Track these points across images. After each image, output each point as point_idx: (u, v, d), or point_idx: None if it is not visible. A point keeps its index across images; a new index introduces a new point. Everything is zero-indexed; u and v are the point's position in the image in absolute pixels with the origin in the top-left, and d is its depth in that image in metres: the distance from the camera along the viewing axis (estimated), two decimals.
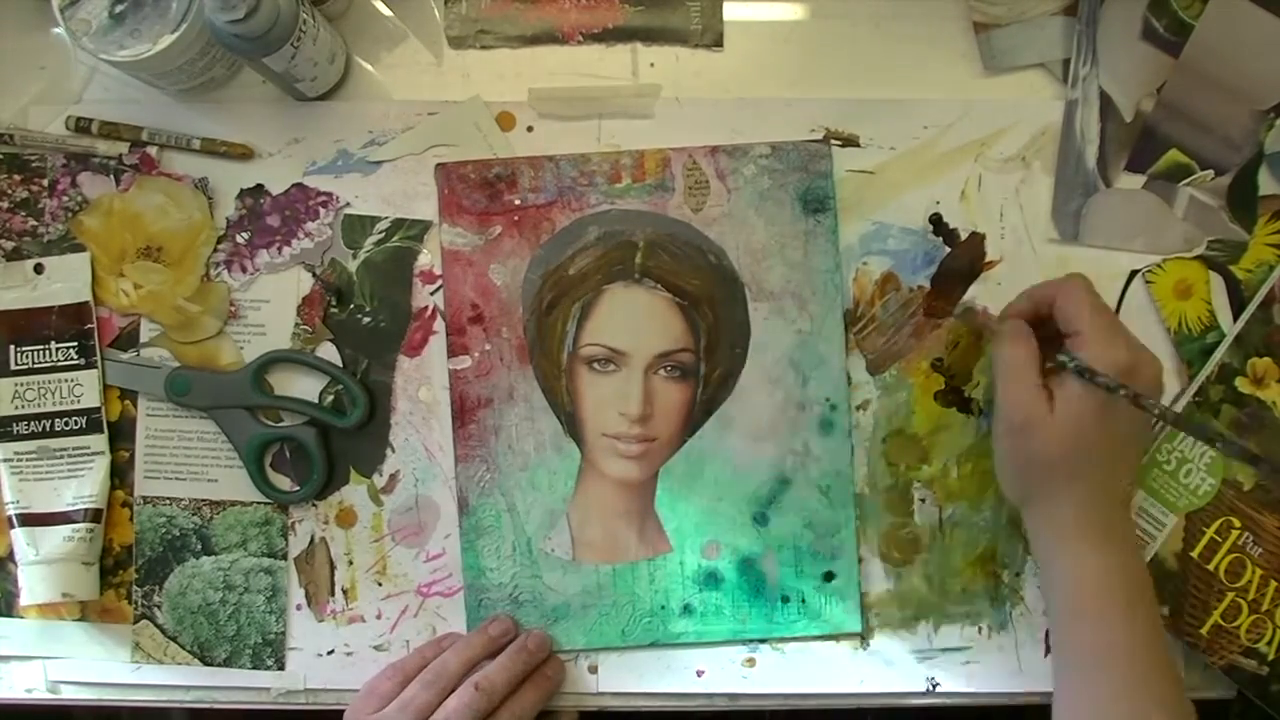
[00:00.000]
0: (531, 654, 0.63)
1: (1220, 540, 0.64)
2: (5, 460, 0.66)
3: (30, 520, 0.65)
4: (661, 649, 0.66)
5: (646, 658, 0.66)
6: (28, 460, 0.66)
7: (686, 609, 0.66)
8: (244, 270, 0.67)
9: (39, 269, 0.66)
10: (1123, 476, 0.59)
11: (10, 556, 0.65)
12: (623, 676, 0.66)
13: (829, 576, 0.66)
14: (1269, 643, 0.63)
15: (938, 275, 0.66)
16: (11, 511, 0.65)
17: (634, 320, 0.65)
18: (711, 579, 0.66)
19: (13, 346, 0.66)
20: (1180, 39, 0.66)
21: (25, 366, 0.66)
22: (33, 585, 0.64)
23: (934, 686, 0.66)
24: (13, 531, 0.65)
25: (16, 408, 0.66)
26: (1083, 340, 0.56)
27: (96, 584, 0.65)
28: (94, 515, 0.65)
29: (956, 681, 0.66)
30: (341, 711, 0.63)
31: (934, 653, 0.66)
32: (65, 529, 0.64)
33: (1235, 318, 0.66)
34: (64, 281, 0.66)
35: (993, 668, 0.66)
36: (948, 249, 0.66)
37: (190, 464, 0.66)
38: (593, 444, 0.66)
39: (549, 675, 0.64)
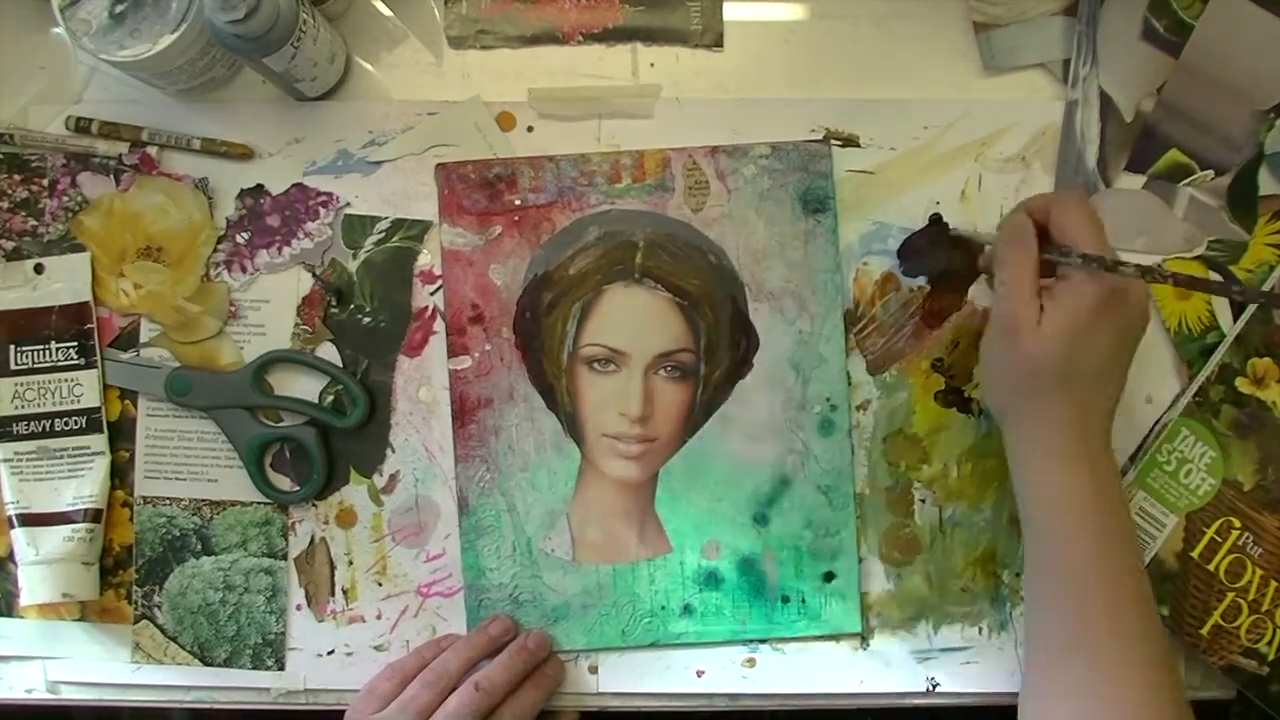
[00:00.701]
0: (532, 653, 0.63)
1: (1220, 540, 0.64)
2: (5, 460, 0.66)
3: (30, 520, 0.65)
4: (661, 649, 0.66)
5: (646, 658, 0.66)
6: (28, 460, 0.66)
7: (686, 609, 0.66)
8: (244, 270, 0.67)
9: (39, 269, 0.66)
10: (1105, 396, 0.58)
11: (10, 556, 0.65)
12: (623, 676, 0.66)
13: (829, 576, 0.66)
14: (1269, 643, 0.63)
15: (918, 262, 0.66)
16: (11, 511, 0.65)
17: (634, 320, 0.65)
18: (711, 579, 0.66)
19: (13, 346, 0.66)
20: (1180, 39, 0.66)
21: (25, 366, 0.66)
22: (33, 585, 0.64)
23: (934, 686, 0.66)
24: (13, 531, 0.65)
25: (16, 408, 0.66)
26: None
27: (97, 584, 0.65)
28: (94, 515, 0.65)
29: (956, 681, 0.66)
30: (341, 712, 0.63)
31: (934, 653, 0.66)
32: (65, 529, 0.64)
33: (1235, 318, 0.66)
34: (64, 281, 0.66)
35: (993, 668, 0.66)
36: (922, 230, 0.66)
37: (190, 464, 0.66)
38: (593, 444, 0.66)
39: (549, 674, 0.64)
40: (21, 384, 0.66)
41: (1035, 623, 0.59)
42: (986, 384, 0.61)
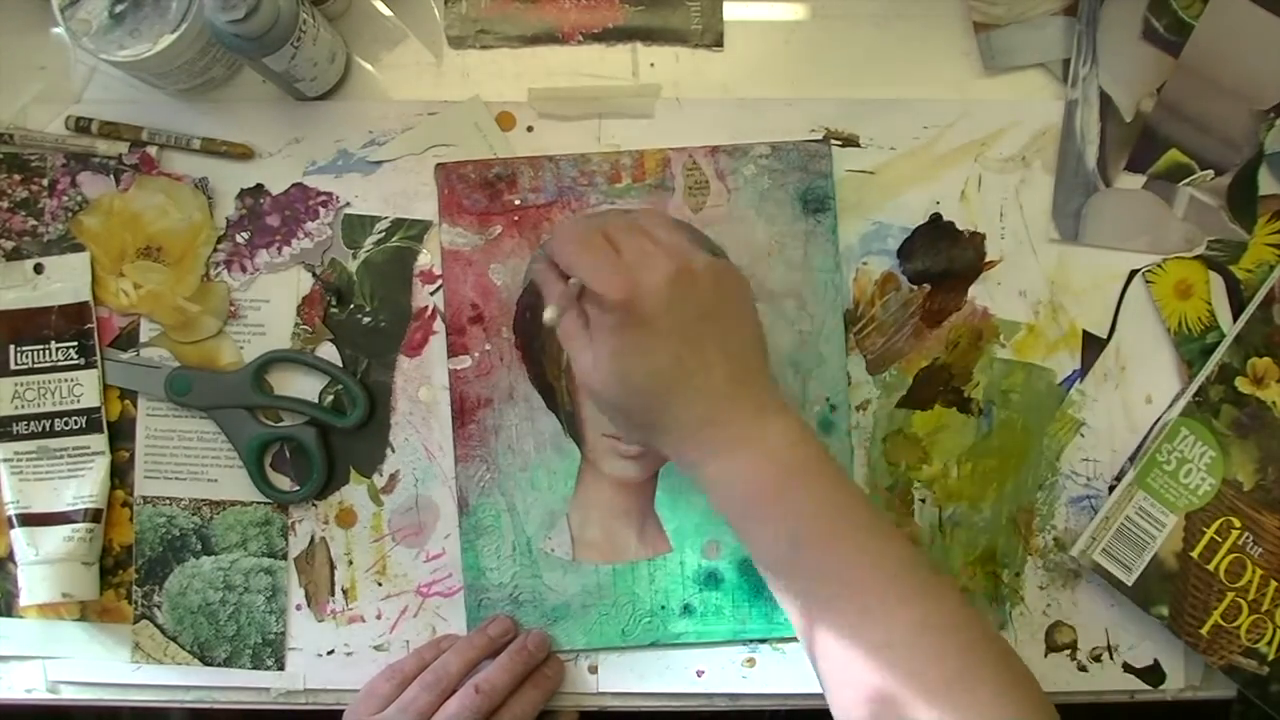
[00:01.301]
0: (531, 654, 0.63)
1: (1220, 540, 0.64)
2: (5, 460, 0.66)
3: (30, 520, 0.65)
4: (661, 649, 0.66)
5: (646, 658, 0.66)
6: (28, 460, 0.66)
7: (686, 609, 0.66)
8: (244, 270, 0.67)
9: (39, 269, 0.66)
10: (717, 372, 0.53)
11: (10, 556, 0.65)
12: (623, 676, 0.66)
13: None
14: (1269, 643, 0.63)
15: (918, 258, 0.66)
16: (11, 511, 0.65)
17: None
18: (711, 579, 0.66)
19: (13, 346, 0.66)
20: (1180, 39, 0.66)
21: (25, 366, 0.66)
22: (32, 585, 0.64)
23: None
24: (12, 531, 0.65)
25: (16, 407, 0.66)
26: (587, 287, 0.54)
27: (96, 584, 0.65)
28: (94, 515, 0.65)
29: None
30: (341, 712, 0.63)
31: None
32: (65, 529, 0.64)
33: (1235, 318, 0.66)
34: (64, 281, 0.66)
35: None
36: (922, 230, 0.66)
37: (190, 464, 0.66)
38: (593, 444, 0.66)
39: (549, 675, 0.64)
40: (21, 384, 0.66)
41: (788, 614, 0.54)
42: (625, 438, 0.62)
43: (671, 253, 0.54)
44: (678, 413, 0.54)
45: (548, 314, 0.52)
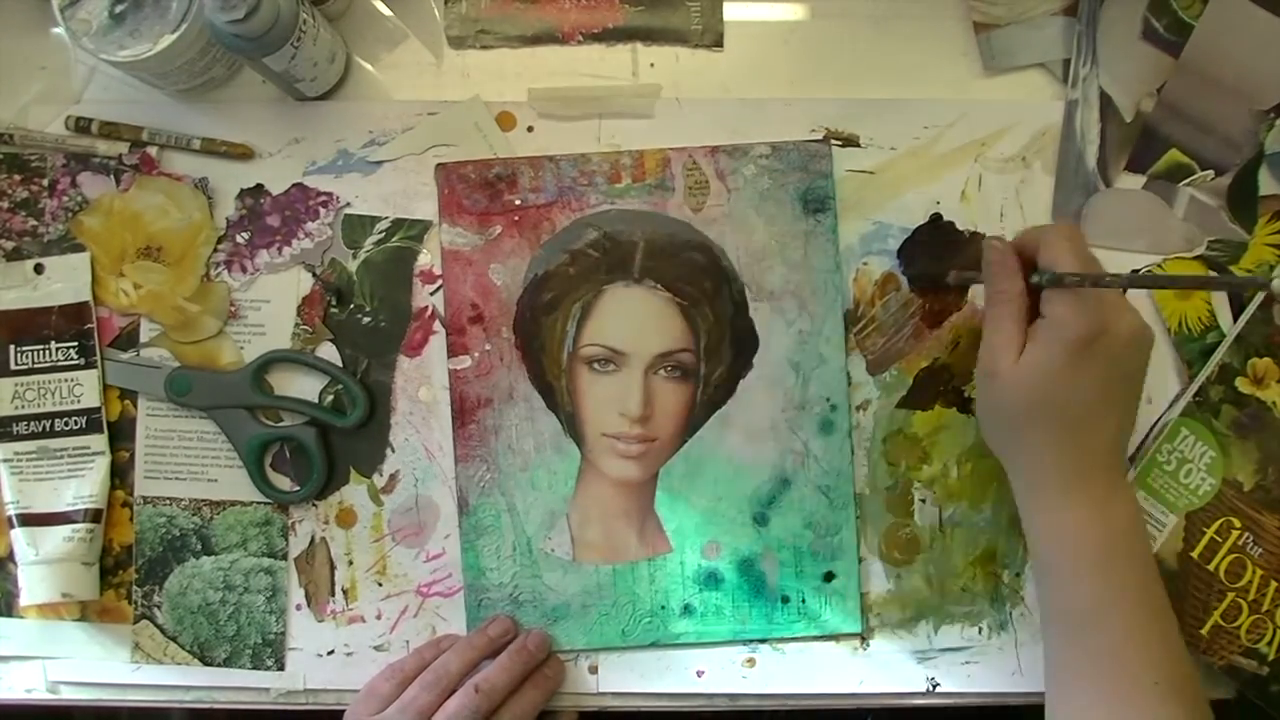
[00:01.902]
0: (531, 654, 0.63)
1: (1220, 540, 0.64)
2: (5, 460, 0.66)
3: (30, 520, 0.65)
4: (661, 649, 0.66)
5: (646, 658, 0.66)
6: (28, 460, 0.66)
7: (686, 609, 0.66)
8: (244, 270, 0.67)
9: (39, 269, 0.66)
10: (1101, 434, 0.56)
11: (10, 556, 0.65)
12: (623, 676, 0.66)
13: (829, 577, 0.66)
14: (1269, 643, 0.63)
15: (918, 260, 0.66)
16: (11, 512, 0.65)
17: (634, 320, 0.65)
18: (711, 579, 0.66)
19: (13, 346, 0.66)
20: (1180, 39, 0.66)
21: (25, 366, 0.66)
22: (32, 585, 0.64)
23: (934, 687, 0.66)
24: (12, 532, 0.65)
25: (16, 408, 0.66)
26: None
27: (96, 584, 0.65)
28: (94, 515, 0.65)
29: (956, 682, 0.66)
30: (341, 712, 0.63)
31: (934, 653, 0.66)
32: (65, 529, 0.64)
33: (1235, 318, 0.66)
34: (64, 281, 0.66)
35: (993, 668, 0.66)
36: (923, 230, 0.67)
37: (190, 464, 0.66)
38: (593, 444, 0.66)
39: (549, 675, 0.64)
40: (21, 384, 0.66)
41: (1050, 655, 0.58)
42: (980, 424, 0.60)
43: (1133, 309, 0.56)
44: (1056, 447, 0.55)
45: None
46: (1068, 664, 0.56)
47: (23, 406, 0.66)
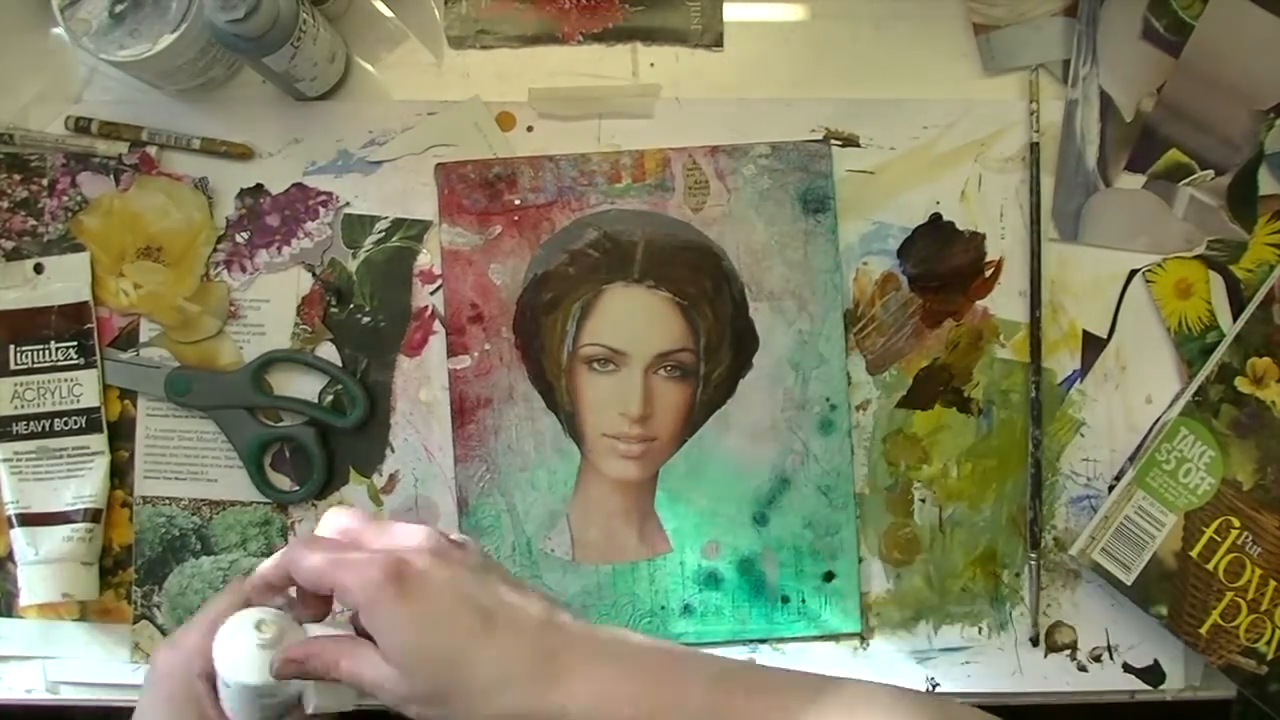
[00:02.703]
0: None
1: (1219, 540, 0.64)
2: (5, 460, 0.66)
3: (30, 520, 0.65)
4: None
5: None
6: (27, 460, 0.66)
7: (686, 609, 0.66)
8: (244, 270, 0.67)
9: (39, 269, 0.66)
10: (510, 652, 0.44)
11: (10, 556, 0.65)
12: None
13: (829, 576, 0.66)
14: (1268, 642, 0.63)
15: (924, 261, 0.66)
16: (11, 511, 0.65)
17: (634, 320, 0.65)
18: (711, 579, 0.66)
19: (12, 346, 0.66)
20: (1180, 39, 0.66)
21: (25, 366, 0.66)
22: (32, 585, 0.64)
23: (934, 687, 0.66)
24: (12, 531, 0.65)
25: (16, 407, 0.66)
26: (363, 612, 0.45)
27: (96, 584, 0.65)
28: (93, 515, 0.65)
29: (956, 681, 0.66)
30: (341, 713, 0.63)
31: (934, 653, 0.66)
32: (65, 529, 0.64)
33: (1235, 317, 0.66)
34: (64, 281, 0.66)
35: (993, 668, 0.66)
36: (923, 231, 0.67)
37: (190, 464, 0.66)
38: (593, 444, 0.66)
39: None
40: (21, 384, 0.66)
41: None
42: None
43: None
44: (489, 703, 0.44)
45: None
46: None
47: (22, 406, 0.66)
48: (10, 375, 0.66)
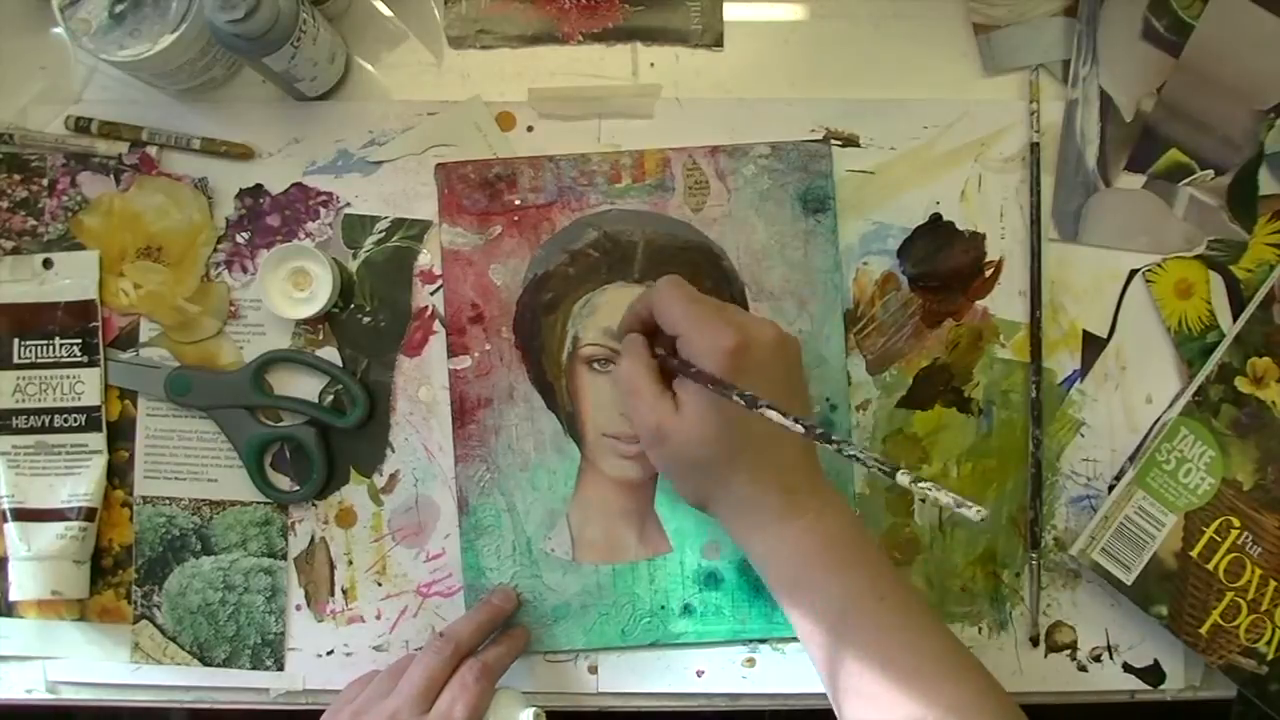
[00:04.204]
0: (496, 606, 0.63)
1: (1219, 540, 0.64)
2: (3, 454, 0.66)
3: (24, 515, 0.65)
4: (661, 649, 0.66)
5: (646, 658, 0.66)
6: (25, 455, 0.66)
7: (686, 609, 0.66)
8: (244, 270, 0.67)
9: (48, 264, 0.66)
10: (782, 442, 0.56)
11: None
12: (623, 676, 0.66)
13: None
14: (1268, 642, 0.63)
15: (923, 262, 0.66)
16: (5, 505, 0.65)
17: None
18: (711, 579, 0.66)
19: (17, 340, 0.66)
20: (1180, 39, 0.66)
21: (28, 361, 0.66)
22: (22, 581, 0.64)
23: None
24: (5, 525, 0.65)
25: (17, 401, 0.66)
26: (685, 341, 0.55)
27: (86, 583, 0.65)
28: (88, 514, 0.65)
29: None
30: None
31: None
32: (58, 526, 0.64)
33: (1235, 317, 0.66)
34: (72, 278, 0.66)
35: (993, 667, 0.65)
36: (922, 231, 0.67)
37: (190, 464, 0.66)
38: (593, 444, 0.66)
39: (515, 634, 0.64)
40: (23, 378, 0.66)
41: (821, 671, 0.56)
42: (672, 485, 0.59)
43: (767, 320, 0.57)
44: (751, 475, 0.56)
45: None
46: (836, 673, 0.54)
47: (23, 401, 0.66)
48: (13, 369, 0.66)
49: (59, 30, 0.65)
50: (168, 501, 0.66)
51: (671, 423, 0.56)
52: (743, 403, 0.51)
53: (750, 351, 0.54)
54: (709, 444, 0.55)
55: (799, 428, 0.49)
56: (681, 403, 0.56)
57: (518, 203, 0.66)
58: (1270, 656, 0.63)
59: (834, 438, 0.49)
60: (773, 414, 0.50)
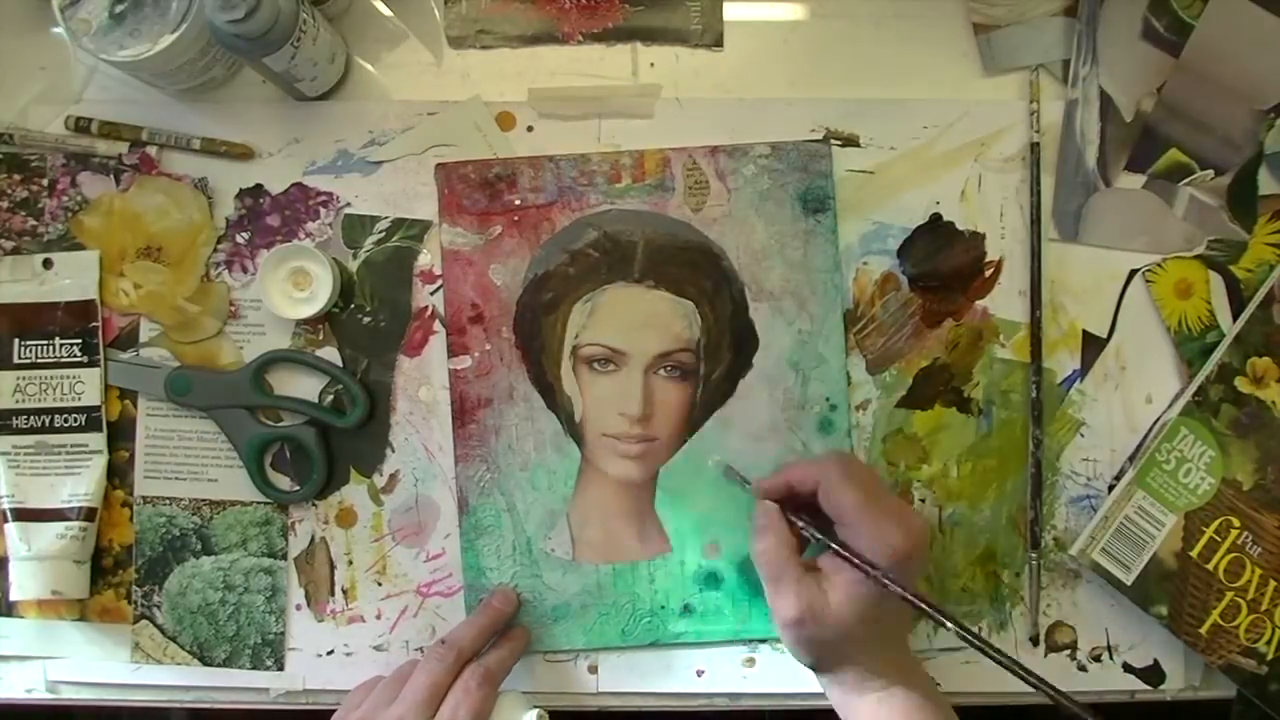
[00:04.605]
0: (497, 609, 0.63)
1: (1219, 540, 0.64)
2: (3, 454, 0.66)
3: (24, 515, 0.65)
4: (661, 649, 0.66)
5: (646, 658, 0.66)
6: (25, 455, 0.66)
7: (686, 609, 0.66)
8: (244, 270, 0.67)
9: (48, 264, 0.66)
10: (907, 628, 0.62)
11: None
12: (623, 676, 0.66)
13: None
14: (1268, 642, 0.63)
15: (923, 263, 0.66)
16: (6, 505, 0.65)
17: (634, 320, 0.65)
18: (711, 579, 0.66)
19: (17, 340, 0.66)
20: (1180, 39, 0.66)
21: (28, 361, 0.66)
22: (22, 581, 0.64)
23: (934, 686, 0.65)
24: (6, 525, 0.65)
25: (17, 401, 0.66)
26: (852, 532, 0.57)
27: (86, 583, 0.65)
28: (88, 514, 0.65)
29: (956, 681, 0.66)
30: None
31: (934, 652, 0.66)
32: (58, 526, 0.64)
33: (1235, 317, 0.66)
34: (72, 278, 0.66)
35: (993, 668, 0.65)
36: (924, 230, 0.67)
37: (190, 464, 0.66)
38: (593, 444, 0.66)
39: (517, 635, 0.64)
40: (24, 378, 0.66)
41: None
42: (790, 647, 0.60)
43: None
44: (884, 648, 0.59)
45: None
46: None
47: (23, 400, 0.66)
48: (13, 369, 0.66)
49: (59, 30, 0.65)
50: (168, 501, 0.66)
51: (821, 606, 0.57)
52: (926, 608, 0.55)
53: (917, 555, 0.57)
54: (854, 626, 0.57)
55: (953, 628, 0.55)
56: (833, 585, 0.57)
57: (518, 203, 0.66)
58: (1270, 656, 0.63)
59: (987, 645, 0.55)
60: (950, 624, 0.54)
